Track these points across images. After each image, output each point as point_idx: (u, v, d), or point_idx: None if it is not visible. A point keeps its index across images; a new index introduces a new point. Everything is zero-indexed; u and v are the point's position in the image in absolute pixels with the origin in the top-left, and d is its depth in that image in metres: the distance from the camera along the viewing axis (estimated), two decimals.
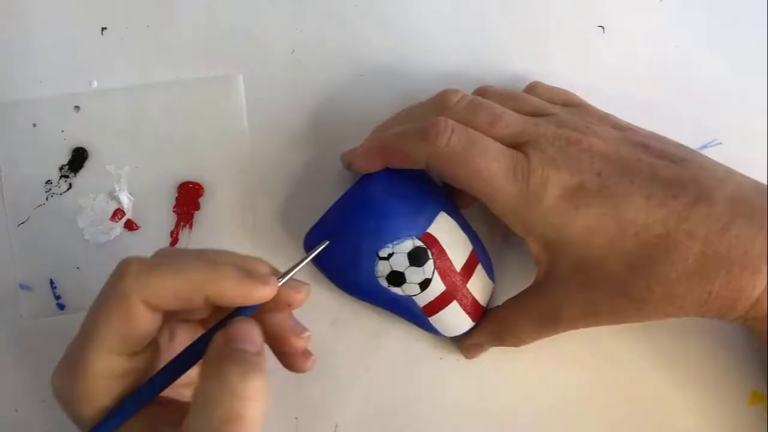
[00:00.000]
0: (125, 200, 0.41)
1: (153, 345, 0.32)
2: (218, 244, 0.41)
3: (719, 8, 0.43)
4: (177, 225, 0.42)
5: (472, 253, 0.39)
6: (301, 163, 0.42)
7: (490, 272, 0.40)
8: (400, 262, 0.37)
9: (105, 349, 0.30)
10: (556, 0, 0.43)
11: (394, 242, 0.37)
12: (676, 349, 0.41)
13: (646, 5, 0.43)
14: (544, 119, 0.36)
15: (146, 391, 0.31)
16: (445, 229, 0.38)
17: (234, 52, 0.43)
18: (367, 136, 0.40)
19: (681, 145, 0.37)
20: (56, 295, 0.41)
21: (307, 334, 0.35)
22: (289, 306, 0.34)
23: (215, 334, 0.31)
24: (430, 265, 0.37)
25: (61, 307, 0.41)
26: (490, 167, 0.34)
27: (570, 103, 0.39)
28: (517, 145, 0.35)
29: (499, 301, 0.40)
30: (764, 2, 0.43)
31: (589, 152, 0.34)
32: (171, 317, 0.34)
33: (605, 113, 0.39)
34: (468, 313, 0.39)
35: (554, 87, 0.40)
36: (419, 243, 0.37)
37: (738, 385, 0.38)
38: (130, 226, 0.42)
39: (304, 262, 0.35)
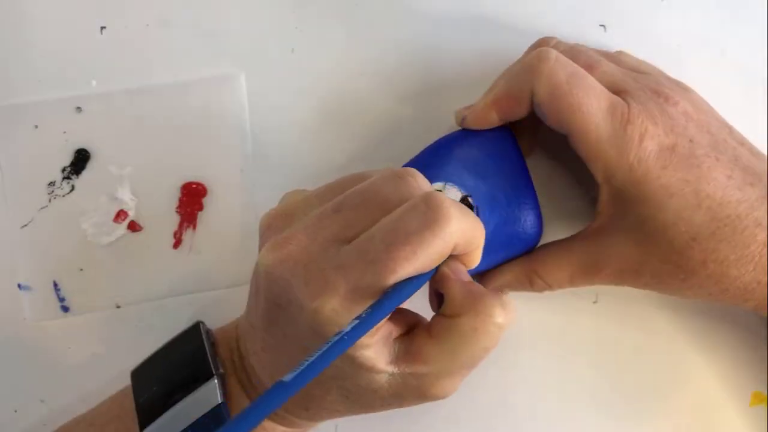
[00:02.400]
0: (128, 201, 0.41)
1: None
2: (221, 245, 0.42)
3: (720, 8, 0.43)
4: (180, 225, 0.42)
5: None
6: (303, 162, 0.42)
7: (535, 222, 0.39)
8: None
9: (400, 279, 0.29)
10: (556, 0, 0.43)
11: (446, 186, 0.37)
12: (677, 350, 0.42)
13: (648, 4, 0.43)
14: (642, 75, 0.37)
15: (386, 304, 0.29)
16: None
17: (234, 52, 0.43)
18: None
19: (753, 146, 0.37)
20: (60, 297, 0.41)
21: None
22: (467, 266, 0.33)
23: (442, 269, 0.31)
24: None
25: (65, 309, 0.41)
26: (591, 103, 0.34)
27: (655, 72, 0.39)
28: (615, 92, 0.35)
29: None
30: (764, 2, 0.43)
31: (685, 115, 0.35)
32: None
33: (686, 85, 0.39)
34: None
35: (641, 60, 0.40)
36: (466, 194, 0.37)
37: (739, 386, 0.38)
38: (133, 227, 0.42)
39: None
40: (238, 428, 0.23)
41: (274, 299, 0.31)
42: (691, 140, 0.34)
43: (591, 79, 0.35)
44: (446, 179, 0.37)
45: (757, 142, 0.42)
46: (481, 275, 0.40)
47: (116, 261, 0.42)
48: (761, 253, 0.33)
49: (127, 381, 0.37)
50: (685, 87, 0.38)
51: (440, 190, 0.36)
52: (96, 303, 0.42)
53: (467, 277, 0.31)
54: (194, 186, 0.42)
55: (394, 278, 0.28)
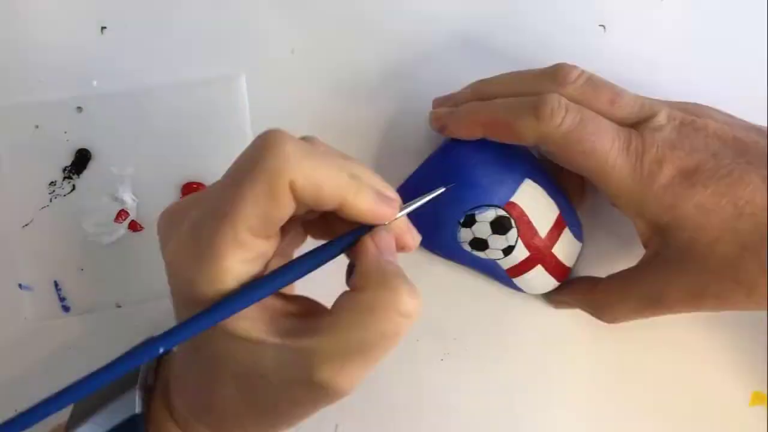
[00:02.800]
0: (129, 201, 0.41)
1: (276, 235, 0.30)
2: None
3: (719, 8, 0.43)
4: None
5: (558, 217, 0.39)
6: None
7: (578, 233, 0.40)
8: (483, 230, 0.37)
9: (244, 227, 0.27)
10: (556, 0, 0.43)
11: (477, 211, 0.37)
12: (677, 351, 0.42)
13: (648, 4, 0.43)
14: (657, 101, 0.36)
15: (277, 279, 0.29)
16: (530, 196, 0.38)
17: (234, 53, 0.43)
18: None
19: None
20: (61, 296, 0.41)
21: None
22: (402, 249, 0.32)
23: (364, 238, 0.30)
24: (513, 233, 0.37)
25: (65, 309, 0.41)
26: (604, 145, 0.34)
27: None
28: (633, 125, 0.35)
29: (587, 261, 0.41)
30: (764, 2, 0.43)
31: (704, 132, 0.34)
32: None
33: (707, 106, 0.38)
34: (553, 275, 0.39)
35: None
36: (502, 212, 0.37)
37: (739, 386, 0.38)
38: (134, 227, 0.42)
39: (425, 200, 0.34)
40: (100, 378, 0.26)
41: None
42: (714, 154, 0.34)
43: (600, 120, 0.34)
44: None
45: None
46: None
47: (117, 261, 0.42)
48: None
49: None
50: (700, 105, 0.37)
51: (474, 222, 0.37)
52: (96, 303, 0.42)
53: (392, 256, 0.30)
54: (195, 186, 0.42)
55: (228, 223, 0.27)
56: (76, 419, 0.34)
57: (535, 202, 0.38)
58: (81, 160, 0.42)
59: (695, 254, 0.33)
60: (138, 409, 0.33)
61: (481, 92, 0.39)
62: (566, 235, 0.39)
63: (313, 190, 0.28)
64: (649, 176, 0.33)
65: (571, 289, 0.40)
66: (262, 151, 0.28)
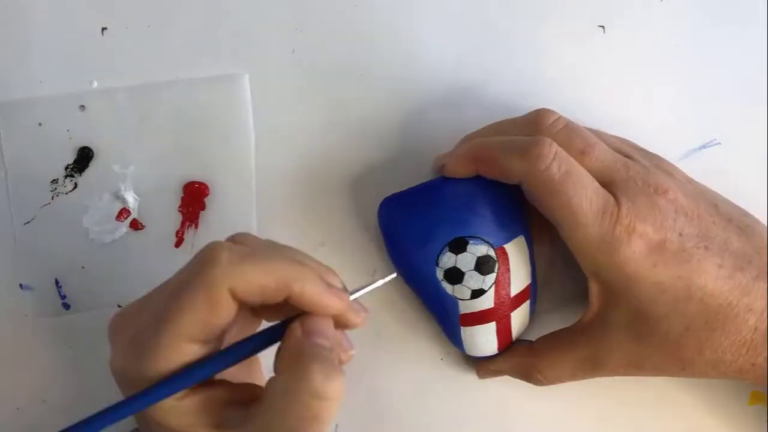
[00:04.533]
0: (131, 200, 0.42)
1: (217, 339, 0.31)
2: None
3: (719, 8, 0.43)
4: (182, 225, 0.42)
5: (527, 287, 0.39)
6: (305, 163, 0.43)
7: (532, 311, 0.40)
8: (466, 262, 0.37)
9: (184, 337, 0.29)
10: (556, 0, 0.43)
11: (471, 240, 0.37)
12: None
13: (647, 4, 0.43)
14: (632, 161, 0.37)
15: (210, 365, 0.30)
16: (518, 252, 0.38)
17: (235, 53, 0.43)
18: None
19: (744, 211, 0.37)
20: (61, 294, 0.41)
21: (352, 352, 0.32)
22: (346, 326, 0.32)
23: (292, 324, 0.30)
24: (491, 278, 0.37)
25: (66, 306, 0.41)
26: (582, 203, 0.34)
27: (636, 149, 0.39)
28: (606, 181, 0.35)
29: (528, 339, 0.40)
30: (764, 2, 0.43)
31: (674, 205, 0.35)
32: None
33: (669, 162, 0.39)
34: (498, 339, 0.39)
35: (618, 137, 0.40)
36: (492, 253, 0.37)
37: (738, 385, 0.38)
38: (135, 225, 0.42)
39: (371, 288, 0.34)
40: None
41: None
42: (680, 234, 0.34)
43: (584, 177, 0.35)
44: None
45: (757, 142, 0.43)
46: (480, 359, 0.40)
47: (118, 259, 0.42)
48: (753, 336, 0.34)
49: None
50: (670, 168, 0.38)
51: (463, 251, 0.37)
52: (97, 301, 0.42)
53: (322, 337, 0.30)
54: (197, 185, 0.42)
55: (169, 330, 0.29)
56: None
57: (519, 260, 0.38)
58: (83, 158, 0.42)
59: (642, 326, 0.35)
60: None
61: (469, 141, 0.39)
62: (525, 307, 0.39)
63: (255, 291, 0.29)
64: (616, 244, 0.34)
65: (506, 354, 0.40)
66: (200, 264, 0.29)
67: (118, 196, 0.42)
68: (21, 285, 0.42)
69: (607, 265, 0.34)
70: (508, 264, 0.38)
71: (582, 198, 0.34)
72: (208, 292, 0.28)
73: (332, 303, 0.30)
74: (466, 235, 0.37)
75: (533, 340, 0.40)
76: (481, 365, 0.41)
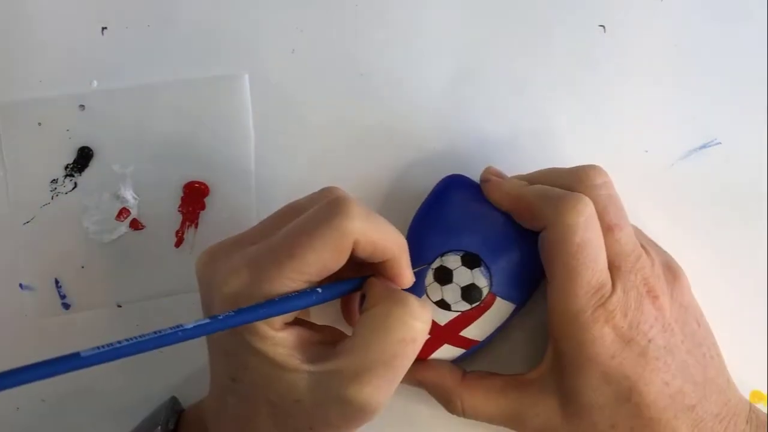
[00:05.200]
0: (130, 199, 0.42)
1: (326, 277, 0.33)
2: None
3: (719, 8, 0.43)
4: (182, 224, 0.42)
5: (475, 342, 0.39)
6: (305, 163, 0.43)
7: (459, 358, 0.39)
8: (462, 276, 0.37)
9: (302, 273, 0.31)
10: (556, 0, 0.43)
11: (482, 267, 0.37)
12: None
13: (647, 4, 0.43)
14: (645, 256, 0.37)
15: (314, 296, 0.32)
16: (499, 312, 0.38)
17: (235, 53, 0.43)
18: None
19: (714, 344, 0.38)
20: (61, 294, 0.41)
21: None
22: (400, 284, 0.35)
23: (371, 278, 0.34)
24: (463, 305, 0.37)
25: (66, 306, 0.41)
26: (585, 275, 0.34)
27: (651, 243, 0.40)
28: (613, 265, 0.36)
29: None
30: (764, 2, 0.43)
31: (658, 312, 0.36)
32: None
33: (677, 265, 0.39)
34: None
35: (644, 236, 0.40)
36: (486, 291, 0.37)
37: (738, 384, 0.38)
38: (135, 225, 0.42)
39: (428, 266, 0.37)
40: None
41: (204, 301, 0.34)
42: (650, 340, 0.35)
43: (600, 254, 0.35)
44: (440, 251, 0.38)
45: (757, 142, 0.43)
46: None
47: (118, 259, 0.42)
48: None
49: (126, 378, 0.37)
50: (676, 274, 0.38)
51: (441, 264, 0.38)
52: (97, 301, 0.42)
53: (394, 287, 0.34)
54: (197, 185, 0.42)
55: (290, 265, 0.30)
56: None
57: (494, 318, 0.38)
58: (83, 158, 0.42)
59: (575, 407, 0.36)
60: None
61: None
62: (455, 351, 0.39)
63: (368, 247, 0.32)
64: (589, 325, 0.34)
65: (436, 369, 0.39)
66: (332, 212, 0.31)
67: (118, 196, 0.42)
68: (21, 285, 0.42)
69: (572, 336, 0.35)
70: (483, 311, 0.38)
71: (588, 271, 0.34)
72: (337, 239, 0.30)
73: (409, 278, 0.34)
74: (482, 257, 0.37)
75: (466, 369, 0.40)
76: (411, 371, 0.39)
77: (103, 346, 0.28)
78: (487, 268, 0.37)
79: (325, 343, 0.33)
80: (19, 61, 0.42)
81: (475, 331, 0.38)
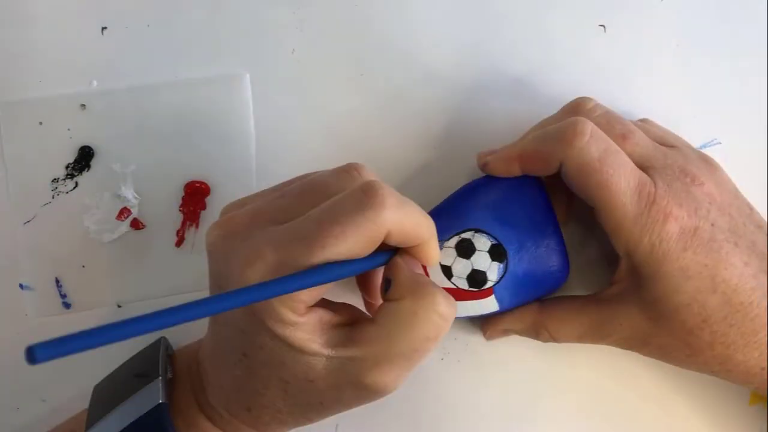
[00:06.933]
0: (131, 199, 0.42)
1: None
2: None
3: (719, 7, 0.44)
4: (183, 224, 0.42)
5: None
6: (306, 163, 0.42)
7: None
8: (481, 260, 0.37)
9: (331, 260, 0.30)
10: (556, 0, 0.44)
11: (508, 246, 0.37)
12: None
13: (647, 4, 0.44)
14: (671, 150, 0.37)
15: (325, 271, 0.30)
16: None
17: (235, 52, 0.43)
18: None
19: None
20: (62, 293, 0.41)
21: None
22: (425, 263, 0.35)
23: (397, 257, 0.33)
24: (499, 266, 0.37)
25: (66, 305, 0.41)
26: (620, 182, 0.34)
27: (681, 141, 0.39)
28: (644, 168, 0.35)
29: None
30: (764, 2, 0.44)
31: (709, 197, 0.35)
32: None
33: (713, 160, 0.38)
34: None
35: (667, 130, 0.41)
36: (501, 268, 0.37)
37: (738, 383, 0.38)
38: (136, 224, 0.42)
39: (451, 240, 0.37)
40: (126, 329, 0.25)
41: (216, 278, 0.33)
42: (713, 224, 0.34)
43: (622, 157, 0.35)
44: (475, 226, 0.37)
45: (757, 142, 0.43)
46: (487, 319, 0.40)
47: (118, 259, 0.42)
48: None
49: None
50: (712, 163, 0.38)
51: (470, 239, 0.37)
52: (97, 301, 0.42)
53: (419, 270, 0.33)
54: (197, 185, 0.42)
55: (322, 255, 0.29)
56: (95, 413, 0.35)
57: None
58: (84, 157, 0.42)
59: (662, 309, 0.35)
60: (161, 399, 0.34)
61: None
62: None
63: (401, 237, 0.31)
64: (650, 226, 0.34)
65: (516, 313, 0.40)
66: (367, 202, 0.30)
67: (119, 196, 0.42)
68: (21, 285, 0.41)
69: (640, 244, 0.34)
70: (473, 298, 0.38)
71: (620, 177, 0.34)
72: (370, 231, 0.30)
73: (435, 259, 0.33)
74: (508, 257, 0.37)
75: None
76: (489, 325, 0.41)
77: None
78: (506, 268, 0.37)
79: (343, 326, 0.32)
80: (19, 60, 0.42)
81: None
